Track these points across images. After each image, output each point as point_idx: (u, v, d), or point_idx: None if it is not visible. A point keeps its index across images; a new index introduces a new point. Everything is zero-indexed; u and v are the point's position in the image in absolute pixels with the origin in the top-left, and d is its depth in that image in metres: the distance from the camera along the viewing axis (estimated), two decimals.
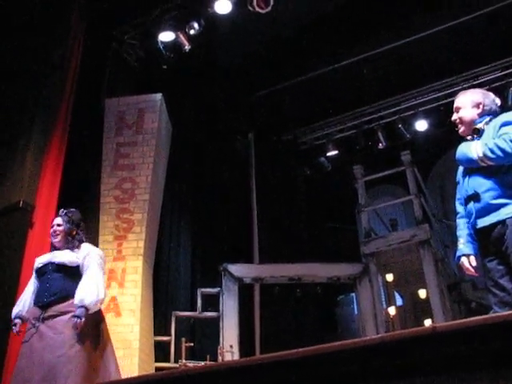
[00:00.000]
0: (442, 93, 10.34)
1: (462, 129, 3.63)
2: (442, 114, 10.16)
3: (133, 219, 7.31)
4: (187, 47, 8.37)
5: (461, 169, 3.64)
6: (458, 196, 3.69)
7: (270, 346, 7.81)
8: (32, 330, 4.02)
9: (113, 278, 6.96)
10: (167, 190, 8.24)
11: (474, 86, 8.65)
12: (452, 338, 1.92)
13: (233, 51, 9.42)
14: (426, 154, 11.32)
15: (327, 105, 10.92)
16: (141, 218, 7.31)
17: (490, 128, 3.46)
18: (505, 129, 3.36)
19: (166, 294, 8.23)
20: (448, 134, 9.44)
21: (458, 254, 3.59)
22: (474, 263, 3.51)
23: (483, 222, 3.36)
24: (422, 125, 10.73)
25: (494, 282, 3.31)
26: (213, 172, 9.91)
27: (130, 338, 6.60)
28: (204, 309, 8.28)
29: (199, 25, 8.22)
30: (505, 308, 3.18)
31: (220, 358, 7.64)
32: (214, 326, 8.29)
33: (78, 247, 4.34)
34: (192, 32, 8.24)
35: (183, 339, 7.54)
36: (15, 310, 4.29)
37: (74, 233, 4.42)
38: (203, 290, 8.40)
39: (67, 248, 4.33)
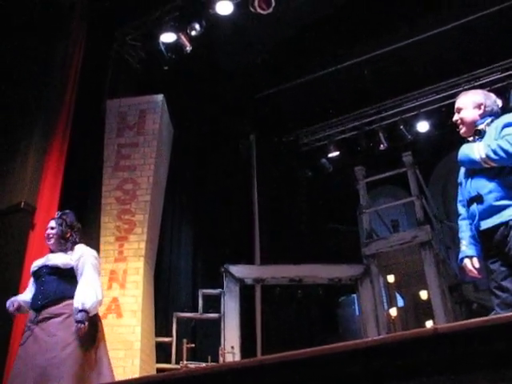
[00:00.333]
0: (444, 94, 10.33)
1: (463, 130, 3.63)
2: (444, 116, 10.16)
3: (134, 220, 7.31)
4: (188, 48, 8.38)
5: (463, 170, 3.63)
6: (459, 198, 3.68)
7: (271, 347, 7.82)
8: (27, 332, 4.03)
9: (114, 279, 6.96)
10: (168, 191, 8.23)
11: (475, 87, 8.66)
12: (453, 340, 1.92)
13: (234, 52, 9.43)
14: (428, 155, 11.31)
15: (329, 106, 10.93)
16: (142, 219, 7.31)
17: (492, 129, 3.45)
18: (507, 130, 3.35)
19: (168, 295, 8.22)
20: (449, 135, 9.45)
21: (460, 255, 3.58)
22: (476, 265, 3.50)
23: (486, 224, 3.35)
24: (423, 126, 10.74)
25: (497, 283, 3.30)
26: (214, 173, 9.91)
27: (131, 339, 6.60)
28: (205, 310, 8.28)
29: (200, 26, 8.23)
30: (507, 309, 3.17)
31: (221, 358, 7.64)
32: (215, 327, 8.29)
33: (72, 249, 4.33)
34: (193, 33, 8.25)
35: (184, 340, 7.53)
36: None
37: (68, 235, 4.41)
38: (204, 290, 8.41)
39: (60, 250, 4.33)
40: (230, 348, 7.87)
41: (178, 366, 7.33)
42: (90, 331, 4.09)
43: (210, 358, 7.52)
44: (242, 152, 11.06)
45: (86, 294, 4.04)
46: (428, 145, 10.98)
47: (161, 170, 7.97)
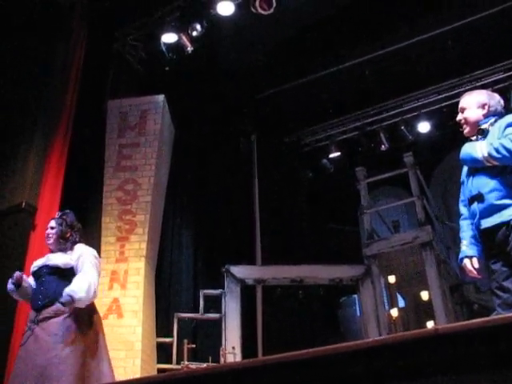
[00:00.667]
0: (445, 94, 10.32)
1: (466, 129, 3.63)
2: (445, 116, 10.17)
3: (135, 220, 7.31)
4: (190, 49, 8.38)
5: (465, 169, 3.63)
6: (461, 197, 3.68)
7: (272, 348, 7.82)
8: (28, 332, 4.04)
9: (115, 279, 6.97)
10: (169, 192, 8.24)
11: (476, 88, 8.66)
12: (454, 340, 1.91)
13: (235, 53, 9.42)
14: (429, 156, 11.30)
15: (330, 106, 10.93)
16: (143, 219, 7.31)
17: (495, 129, 3.45)
18: (510, 129, 3.36)
19: (168, 296, 8.22)
20: (451, 135, 9.47)
21: (460, 255, 3.58)
22: (476, 265, 3.50)
23: (487, 223, 3.35)
24: (424, 126, 10.73)
25: (498, 283, 3.30)
26: (215, 173, 9.90)
27: (132, 340, 6.61)
28: (206, 310, 8.28)
29: (202, 26, 8.23)
30: (508, 310, 3.17)
31: (222, 359, 7.64)
32: (216, 328, 8.28)
33: (71, 249, 4.33)
34: (194, 33, 8.25)
35: (185, 340, 7.53)
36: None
37: (68, 235, 4.42)
38: (205, 291, 8.41)
39: (60, 250, 4.34)
40: (231, 348, 7.87)
41: (179, 367, 7.33)
42: (88, 330, 4.10)
43: (210, 358, 7.52)
44: (243, 152, 11.06)
45: (79, 286, 4.04)
46: (429, 145, 10.97)
47: (162, 171, 7.97)
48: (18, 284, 4.26)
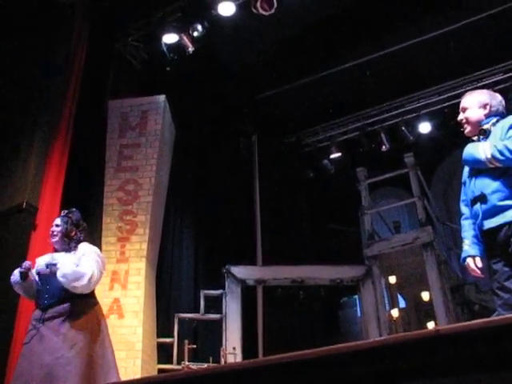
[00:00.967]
0: (446, 95, 10.32)
1: (467, 129, 3.62)
2: (446, 117, 10.16)
3: (136, 221, 7.31)
4: (191, 49, 8.38)
5: (466, 169, 3.62)
6: (462, 197, 3.68)
7: (273, 348, 7.81)
8: (33, 331, 4.01)
9: (116, 279, 6.97)
10: (170, 192, 8.23)
11: (477, 88, 8.61)
12: (455, 341, 1.91)
13: (236, 53, 9.43)
14: (430, 157, 11.30)
15: (330, 107, 10.92)
16: (144, 219, 7.31)
17: (498, 129, 3.45)
18: None
19: (169, 296, 8.22)
20: (451, 136, 9.47)
21: (463, 255, 3.58)
22: (479, 264, 3.49)
23: (489, 224, 3.34)
24: (425, 127, 10.72)
25: (500, 284, 3.29)
26: (216, 173, 9.90)
27: (132, 340, 6.61)
28: (207, 310, 8.28)
29: (203, 27, 8.24)
30: (510, 310, 3.17)
31: (223, 359, 7.64)
32: (216, 328, 8.29)
33: (75, 248, 4.30)
34: (196, 34, 8.26)
35: (186, 341, 7.53)
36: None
37: (73, 234, 4.38)
38: (206, 291, 8.41)
39: (64, 250, 4.31)
40: (232, 349, 7.87)
41: (180, 367, 7.33)
42: (94, 330, 4.09)
43: (211, 358, 7.52)
44: (244, 153, 11.06)
45: (73, 269, 4.04)
46: (430, 146, 10.97)
47: (163, 171, 7.97)
48: (26, 274, 4.21)
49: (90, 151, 7.67)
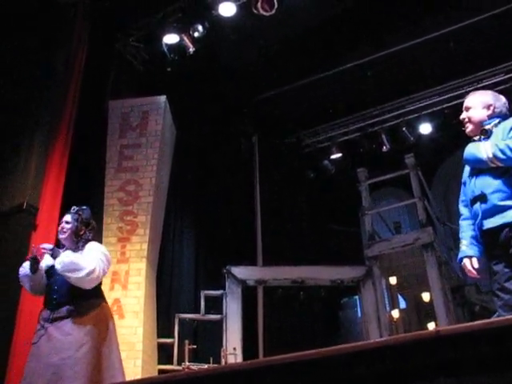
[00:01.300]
0: (446, 96, 10.32)
1: (469, 128, 3.62)
2: (446, 117, 10.16)
3: (136, 221, 7.32)
4: (191, 49, 8.38)
5: (467, 169, 3.62)
6: (462, 198, 3.68)
7: (273, 349, 7.82)
8: (41, 331, 4.00)
9: (116, 280, 6.96)
10: (171, 192, 8.24)
11: (477, 89, 8.61)
12: (456, 342, 1.91)
13: (237, 53, 9.43)
14: (430, 157, 11.30)
15: (331, 107, 10.92)
16: (144, 220, 7.31)
17: (499, 130, 3.45)
18: None
19: (170, 296, 8.22)
20: (452, 137, 9.47)
21: (460, 255, 3.58)
22: (476, 265, 3.50)
23: (489, 224, 3.34)
24: (426, 128, 10.72)
25: (500, 285, 3.29)
26: (216, 174, 9.91)
27: (133, 340, 6.60)
28: (207, 311, 8.28)
29: (203, 27, 8.23)
30: (510, 311, 3.17)
31: (223, 360, 7.64)
32: (217, 329, 8.28)
33: (83, 248, 4.25)
34: (196, 34, 8.25)
35: (186, 341, 7.53)
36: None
37: (81, 232, 4.34)
38: (206, 292, 8.41)
39: (71, 249, 4.25)
40: (232, 349, 7.87)
41: (180, 368, 7.33)
42: (102, 331, 4.09)
43: (211, 359, 7.52)
44: (244, 153, 11.06)
45: (72, 260, 4.02)
46: (430, 147, 10.97)
47: (163, 171, 7.98)
48: (36, 260, 4.15)
49: (91, 151, 7.67)
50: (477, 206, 3.41)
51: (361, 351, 2.05)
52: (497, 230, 3.30)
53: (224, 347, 7.90)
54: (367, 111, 11.04)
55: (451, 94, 10.20)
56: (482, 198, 3.38)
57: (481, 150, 3.39)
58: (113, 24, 8.46)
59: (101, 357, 3.99)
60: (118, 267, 7.03)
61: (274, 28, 8.73)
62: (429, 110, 10.59)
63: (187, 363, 7.34)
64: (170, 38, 8.42)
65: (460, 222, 3.67)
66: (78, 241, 4.31)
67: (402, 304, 10.18)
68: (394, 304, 9.61)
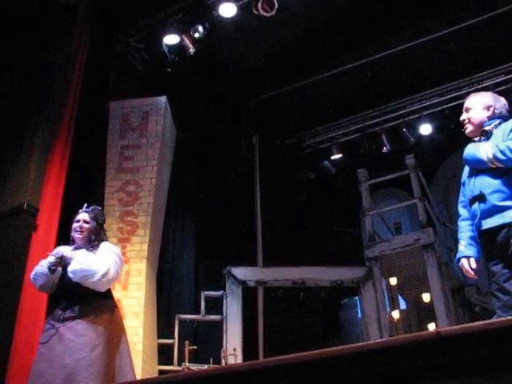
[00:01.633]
0: (447, 96, 10.33)
1: (469, 129, 3.63)
2: (447, 118, 10.17)
3: (137, 222, 7.32)
4: (192, 50, 8.39)
5: (466, 170, 3.63)
6: (461, 198, 3.68)
7: (274, 349, 7.81)
8: (51, 330, 3.93)
9: (116, 280, 6.96)
10: (171, 193, 8.23)
11: (478, 90, 8.65)
12: (456, 343, 1.91)
13: (237, 54, 9.43)
14: (431, 158, 11.31)
15: (331, 108, 10.92)
16: (145, 220, 7.31)
17: (499, 131, 3.45)
18: None
19: (170, 297, 8.22)
20: (452, 137, 9.48)
21: (458, 255, 3.59)
22: (473, 266, 3.50)
23: (488, 224, 3.34)
24: (426, 128, 10.73)
25: (499, 285, 3.29)
26: (216, 174, 9.90)
27: (133, 341, 6.57)
28: (207, 312, 8.28)
29: (204, 28, 8.24)
30: (509, 312, 3.16)
31: (223, 361, 7.64)
32: (217, 329, 8.28)
33: (97, 247, 4.22)
34: (197, 35, 8.26)
35: (186, 342, 7.52)
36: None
37: (99, 232, 4.34)
38: (207, 292, 8.40)
39: (85, 248, 4.21)
40: (232, 350, 7.86)
41: (180, 368, 7.32)
42: (115, 332, 4.07)
43: (211, 360, 7.51)
44: (245, 154, 11.06)
45: (82, 267, 3.97)
46: (431, 147, 10.98)
47: (163, 172, 7.98)
48: (61, 264, 4.05)
49: (91, 152, 7.67)
50: (475, 206, 3.42)
51: (361, 352, 2.04)
52: (495, 231, 3.30)
53: (224, 348, 7.89)
54: (367, 112, 11.05)
55: (451, 95, 10.21)
56: (480, 198, 3.39)
57: (481, 150, 3.39)
58: (113, 24, 8.47)
59: (113, 358, 3.97)
60: None
61: (274, 28, 8.73)
62: (429, 111, 10.60)
63: (187, 364, 7.33)
64: (171, 39, 8.43)
65: (459, 222, 3.68)
66: (94, 240, 4.28)
67: (403, 305, 10.16)
68: (394, 305, 9.60)
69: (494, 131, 3.48)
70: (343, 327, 10.67)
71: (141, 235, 7.24)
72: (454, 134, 9.32)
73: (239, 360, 7.76)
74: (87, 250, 4.19)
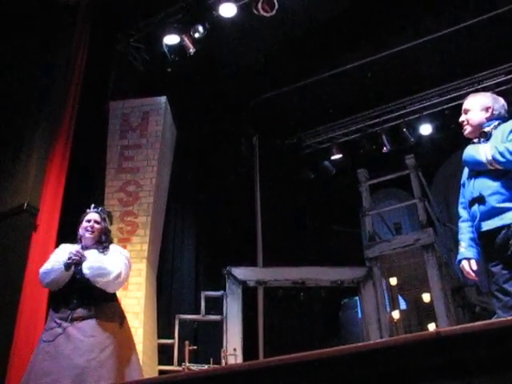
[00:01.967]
0: (447, 97, 10.32)
1: (468, 130, 3.62)
2: (447, 118, 10.16)
3: (137, 222, 7.31)
4: (192, 50, 8.39)
5: (466, 171, 3.62)
6: (461, 200, 3.68)
7: (274, 349, 7.82)
8: (57, 329, 3.89)
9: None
10: (171, 193, 8.23)
11: (478, 90, 8.67)
12: (456, 343, 1.91)
13: (237, 54, 9.43)
14: (431, 158, 11.30)
15: (331, 108, 10.92)
16: (145, 220, 7.31)
17: (499, 132, 3.44)
18: None
19: (170, 297, 8.22)
20: (452, 137, 9.46)
21: (458, 257, 3.59)
22: (474, 267, 3.50)
23: (487, 225, 3.34)
24: (426, 129, 10.73)
25: (499, 286, 3.29)
26: (217, 175, 9.91)
27: None
28: (207, 312, 8.28)
29: (204, 28, 8.24)
30: (509, 312, 3.16)
31: (223, 361, 7.64)
32: (217, 329, 8.28)
33: (107, 249, 4.23)
34: (197, 35, 8.26)
35: (187, 342, 7.52)
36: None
37: (108, 233, 4.37)
38: (207, 292, 8.40)
39: (96, 248, 4.21)
40: (232, 350, 7.86)
41: (180, 368, 7.32)
42: (122, 333, 4.07)
43: (212, 360, 7.51)
44: (245, 154, 11.07)
45: (99, 265, 3.99)
46: (431, 147, 10.98)
47: (163, 172, 7.98)
48: (79, 262, 4.02)
49: (91, 152, 7.67)
50: (475, 207, 3.41)
51: (361, 352, 2.04)
52: (494, 232, 3.30)
53: (224, 348, 7.89)
54: (367, 112, 11.05)
55: (452, 95, 10.21)
56: (480, 199, 3.38)
57: (480, 152, 3.39)
58: (113, 24, 8.47)
59: (122, 358, 3.95)
60: None
61: (274, 28, 8.74)
62: (429, 111, 10.60)
63: (187, 364, 7.33)
64: (171, 39, 8.43)
65: (459, 223, 3.67)
66: (104, 242, 4.28)
67: (403, 305, 10.17)
68: (394, 305, 9.61)
69: (494, 132, 3.48)
70: (343, 327, 10.67)
71: (141, 235, 7.23)
72: (454, 134, 9.30)
73: (239, 360, 7.76)
74: (98, 250, 4.20)
